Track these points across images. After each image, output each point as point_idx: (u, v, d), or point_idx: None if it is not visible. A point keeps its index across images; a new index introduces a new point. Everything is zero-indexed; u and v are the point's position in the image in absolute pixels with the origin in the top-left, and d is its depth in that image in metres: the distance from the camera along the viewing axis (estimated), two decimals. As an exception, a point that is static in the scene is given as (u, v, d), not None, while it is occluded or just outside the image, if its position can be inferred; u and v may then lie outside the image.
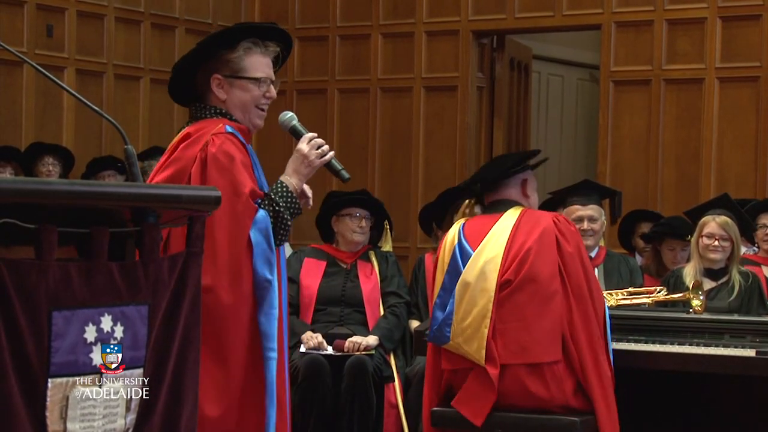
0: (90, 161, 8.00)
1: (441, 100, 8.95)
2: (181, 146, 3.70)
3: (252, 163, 3.70)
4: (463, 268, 4.59)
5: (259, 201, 3.63)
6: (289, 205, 3.67)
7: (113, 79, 8.66)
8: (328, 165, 3.80)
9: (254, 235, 3.57)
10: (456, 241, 4.67)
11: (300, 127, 3.83)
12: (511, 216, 4.65)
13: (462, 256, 4.63)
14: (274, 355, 3.58)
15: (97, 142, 8.50)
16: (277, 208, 3.64)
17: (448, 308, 4.59)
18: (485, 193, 4.82)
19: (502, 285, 4.53)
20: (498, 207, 4.72)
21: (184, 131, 3.74)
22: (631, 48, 8.44)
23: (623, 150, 8.45)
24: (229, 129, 3.68)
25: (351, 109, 9.23)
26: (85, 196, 2.59)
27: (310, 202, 3.88)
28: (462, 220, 4.79)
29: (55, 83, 3.12)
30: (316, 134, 3.80)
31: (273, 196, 3.67)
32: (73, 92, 3.19)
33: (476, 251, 4.60)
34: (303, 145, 3.75)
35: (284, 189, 3.69)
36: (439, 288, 4.67)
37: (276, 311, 3.59)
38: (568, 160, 10.85)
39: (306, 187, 3.82)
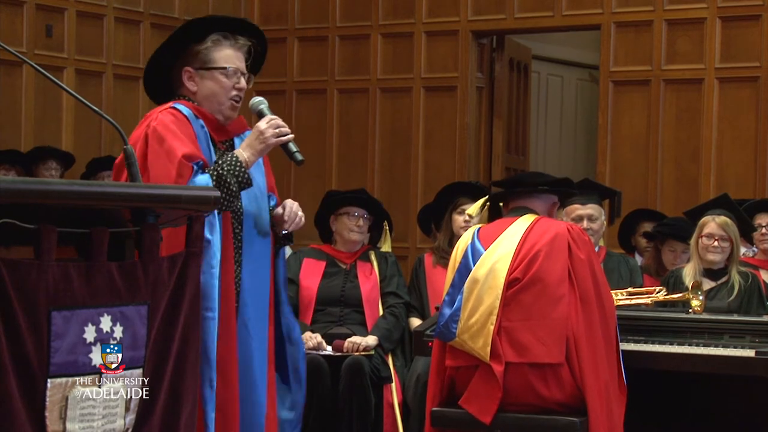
0: (89, 161, 8.00)
1: (440, 101, 8.94)
2: (136, 127, 3.78)
3: (199, 137, 3.72)
4: (474, 265, 4.63)
5: (201, 163, 3.65)
6: (234, 172, 3.69)
7: (112, 80, 8.66)
8: (284, 146, 3.85)
9: None
10: (470, 243, 4.72)
11: (267, 111, 3.90)
12: (525, 220, 4.72)
13: (473, 255, 4.67)
14: (211, 315, 3.53)
15: (96, 143, 8.49)
16: (220, 171, 3.67)
17: (455, 304, 4.62)
18: (512, 199, 4.88)
19: (510, 283, 4.56)
20: (517, 212, 4.79)
21: None
22: (630, 48, 8.43)
23: (623, 150, 8.44)
24: (177, 105, 3.74)
25: (351, 109, 9.22)
26: (85, 197, 2.60)
27: (301, 221, 3.93)
28: (478, 225, 4.85)
29: (55, 83, 3.12)
30: (278, 117, 3.86)
31: (219, 162, 3.71)
32: (73, 92, 3.19)
33: (488, 250, 4.65)
34: (261, 123, 3.81)
35: (232, 158, 3.73)
36: (448, 286, 4.70)
37: (216, 270, 3.55)
38: (567, 160, 10.84)
39: (292, 204, 3.87)
